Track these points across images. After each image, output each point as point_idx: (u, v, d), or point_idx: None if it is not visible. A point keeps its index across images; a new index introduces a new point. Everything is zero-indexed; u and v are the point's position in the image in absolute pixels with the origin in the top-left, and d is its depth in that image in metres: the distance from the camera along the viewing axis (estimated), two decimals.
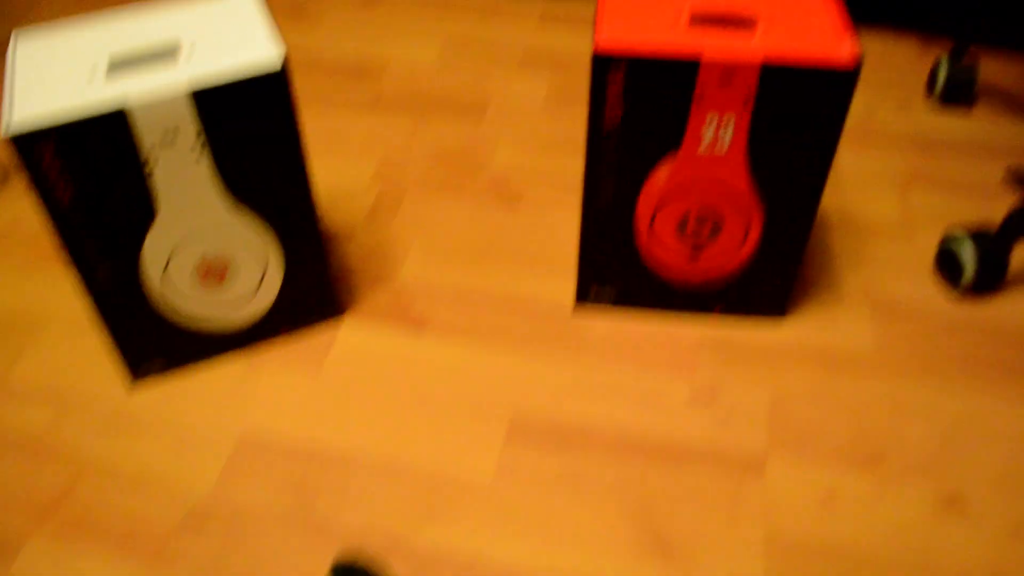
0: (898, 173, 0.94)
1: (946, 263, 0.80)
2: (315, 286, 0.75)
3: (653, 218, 0.71)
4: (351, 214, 0.90)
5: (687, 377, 0.74)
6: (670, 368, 0.74)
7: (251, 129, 0.63)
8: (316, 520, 0.65)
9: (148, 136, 0.60)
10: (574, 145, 0.98)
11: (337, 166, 0.97)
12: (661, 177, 0.68)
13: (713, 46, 0.60)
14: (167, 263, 0.68)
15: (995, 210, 0.89)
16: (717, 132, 0.64)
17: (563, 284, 0.82)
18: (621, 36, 0.61)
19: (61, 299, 0.84)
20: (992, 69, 1.10)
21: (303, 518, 0.65)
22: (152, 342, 0.73)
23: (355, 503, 0.66)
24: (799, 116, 0.62)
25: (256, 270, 0.72)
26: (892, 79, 1.08)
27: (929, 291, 0.81)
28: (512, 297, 0.81)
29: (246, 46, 0.62)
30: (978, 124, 1.01)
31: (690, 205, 0.69)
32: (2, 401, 0.75)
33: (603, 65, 0.61)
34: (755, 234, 0.71)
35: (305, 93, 1.08)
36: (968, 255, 0.77)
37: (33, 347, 0.79)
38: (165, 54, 0.62)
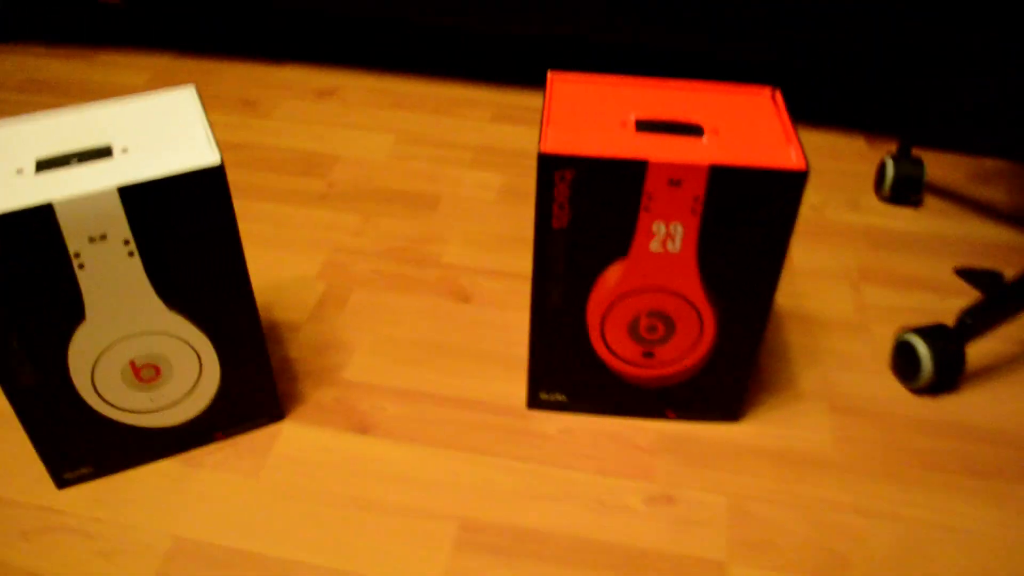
0: (851, 269, 0.94)
1: (902, 362, 0.80)
2: (254, 388, 0.72)
3: (603, 320, 0.70)
4: (296, 310, 0.88)
5: (643, 479, 0.71)
6: (626, 470, 0.72)
7: (185, 228, 0.61)
8: None
9: (76, 233, 0.57)
10: (526, 243, 0.97)
11: (283, 260, 0.95)
12: (611, 279, 0.67)
13: (661, 148, 0.60)
14: (95, 364, 0.65)
15: (947, 305, 0.89)
16: (667, 234, 0.63)
17: (514, 385, 0.79)
18: (568, 137, 0.61)
19: None
20: (937, 167, 1.12)
21: None
22: (80, 447, 0.69)
23: None
24: (749, 218, 0.62)
25: (191, 372, 0.69)
26: (841, 176, 1.10)
27: (887, 387, 0.80)
28: (462, 398, 0.78)
29: (181, 144, 0.61)
30: (927, 221, 1.02)
31: (641, 307, 0.68)
32: None
33: (549, 165, 0.61)
34: (708, 335, 0.69)
35: (253, 185, 1.07)
36: (925, 355, 0.77)
37: None
38: (96, 152, 0.60)
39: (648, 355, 0.71)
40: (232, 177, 1.08)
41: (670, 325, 0.69)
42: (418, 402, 0.78)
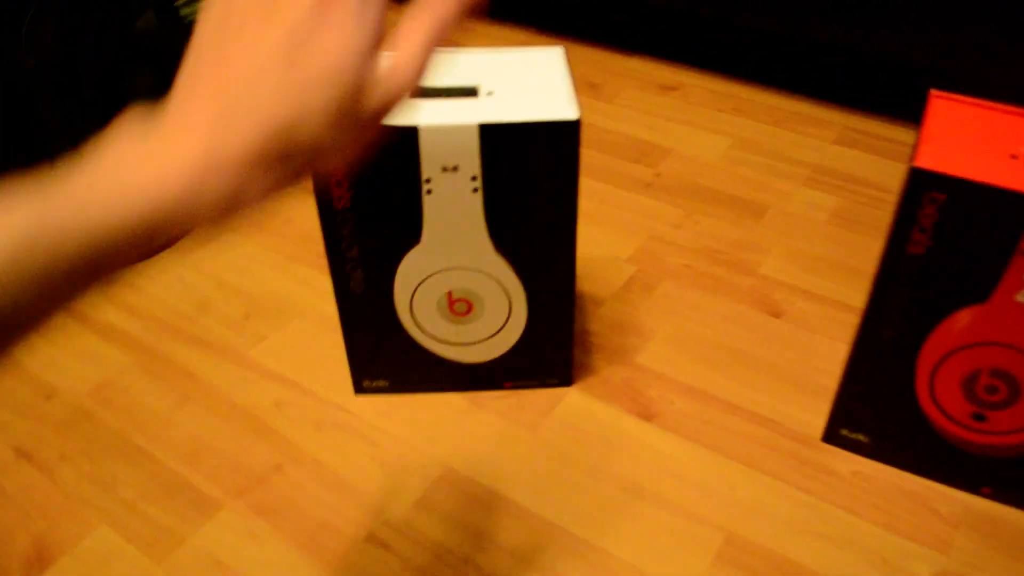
0: None
1: None
2: (552, 347, 0.73)
3: (936, 368, 0.63)
4: (603, 286, 0.88)
5: (937, 551, 0.64)
6: (919, 535, 0.65)
7: (531, 176, 0.62)
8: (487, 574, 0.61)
9: (432, 160, 0.61)
10: (853, 274, 0.90)
11: (599, 237, 0.96)
12: (958, 324, 0.60)
13: None
14: (417, 287, 0.69)
15: None
16: None
17: (812, 414, 0.75)
18: (945, 158, 0.56)
19: (315, 296, 0.87)
20: None
21: (483, 575, 0.62)
22: (384, 360, 0.74)
23: (534, 571, 0.62)
24: None
25: (499, 316, 0.71)
26: None
27: None
28: (754, 412, 0.75)
29: (544, 95, 0.62)
30: None
31: (985, 362, 0.61)
32: (238, 374, 0.78)
33: (921, 183, 0.55)
34: None
35: (584, 162, 1.09)
36: None
37: (278, 332, 0.83)
38: (464, 91, 0.63)
39: (979, 417, 0.64)
40: None
41: (1015, 389, 0.61)
42: (707, 404, 0.75)
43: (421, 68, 0.33)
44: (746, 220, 0.99)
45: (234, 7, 0.31)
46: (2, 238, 0.26)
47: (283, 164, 0.31)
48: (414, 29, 0.33)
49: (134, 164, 0.29)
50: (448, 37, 0.33)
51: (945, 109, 0.62)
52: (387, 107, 0.32)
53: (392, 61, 0.32)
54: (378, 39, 0.32)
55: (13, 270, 0.26)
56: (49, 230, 0.27)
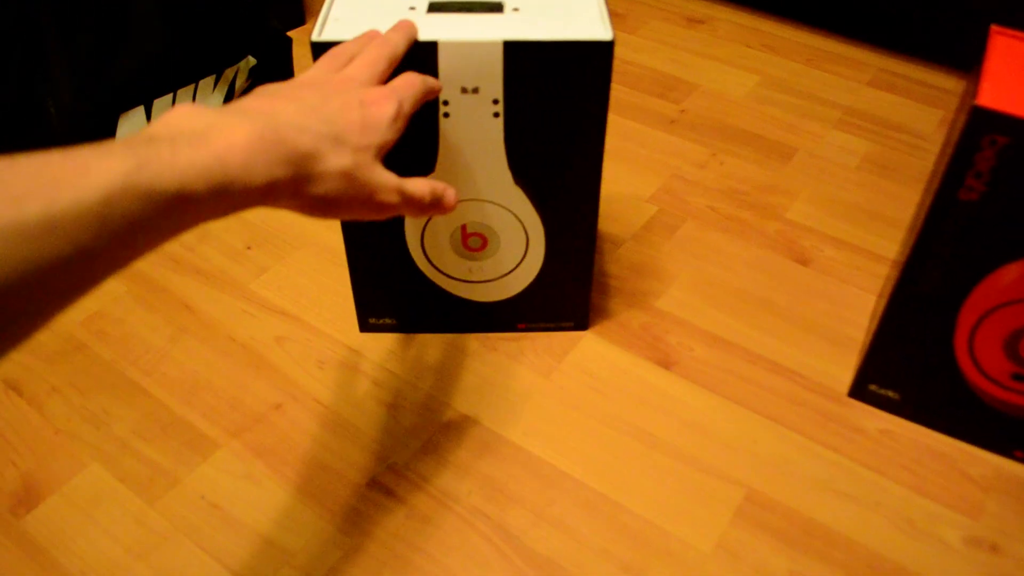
0: None
1: None
2: (569, 288, 0.69)
3: (977, 325, 0.59)
4: (623, 226, 0.84)
5: (967, 515, 0.61)
6: (948, 498, 0.62)
7: (557, 101, 0.58)
8: (505, 534, 0.59)
9: (451, 79, 0.56)
10: (884, 222, 0.86)
11: (620, 175, 0.91)
12: (1005, 279, 0.56)
13: None
14: (428, 219, 0.65)
15: None
16: None
17: (839, 367, 0.71)
18: (1010, 98, 0.51)
19: (320, 227, 0.83)
20: None
21: (491, 525, 0.59)
22: (391, 297, 0.70)
23: (548, 528, 0.59)
24: None
25: (515, 253, 0.67)
26: None
27: None
28: (778, 363, 0.71)
29: (574, 14, 0.57)
30: None
31: None
32: (238, 307, 0.75)
33: (982, 124, 0.51)
34: None
35: None
36: None
37: (281, 264, 0.79)
38: (488, 5, 0.58)
39: (1019, 378, 0.60)
40: None
41: None
42: (729, 353, 0.72)
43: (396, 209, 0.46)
44: (773, 162, 0.94)
45: (318, 77, 0.47)
46: (105, 177, 0.30)
47: (306, 183, 0.40)
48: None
49: (210, 135, 0.35)
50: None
51: (1007, 46, 0.57)
52: (365, 198, 0.44)
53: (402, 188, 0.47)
54: (384, 150, 0.45)
55: (113, 208, 0.30)
56: (144, 177, 0.31)
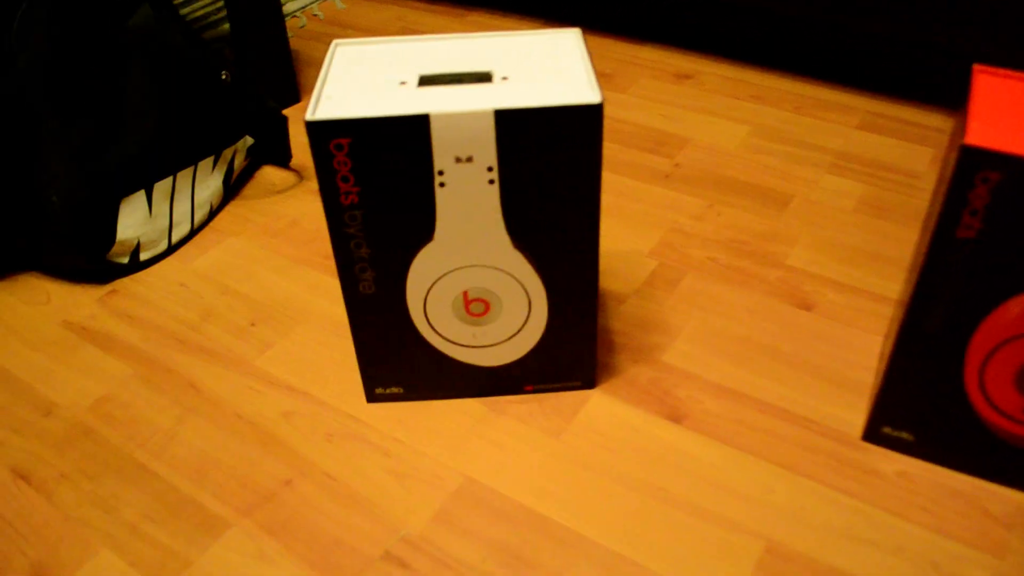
0: None
1: None
2: (574, 348, 0.69)
3: (987, 359, 0.59)
4: (624, 282, 0.84)
5: (991, 554, 0.60)
6: (971, 538, 0.61)
7: (550, 165, 0.58)
8: None
9: (445, 150, 0.57)
10: (885, 262, 0.86)
11: (618, 231, 0.92)
12: (1011, 312, 0.56)
13: None
14: (431, 287, 0.65)
15: None
16: None
17: (850, 411, 0.71)
18: (997, 135, 0.51)
19: (323, 300, 0.84)
20: None
21: None
22: (397, 366, 0.70)
23: None
24: None
25: (518, 316, 0.67)
26: None
27: None
28: (788, 411, 0.71)
29: (562, 79, 0.58)
30: None
31: None
32: (244, 384, 0.75)
33: (973, 162, 0.51)
34: None
35: None
36: None
37: (285, 339, 0.79)
38: (477, 76, 0.59)
39: None
40: None
41: None
42: (739, 403, 0.71)
43: None
44: (770, 210, 0.95)
45: None
46: None
47: None
48: None
49: None
50: None
51: (990, 84, 0.58)
52: None
53: None
54: None
55: None
56: None
